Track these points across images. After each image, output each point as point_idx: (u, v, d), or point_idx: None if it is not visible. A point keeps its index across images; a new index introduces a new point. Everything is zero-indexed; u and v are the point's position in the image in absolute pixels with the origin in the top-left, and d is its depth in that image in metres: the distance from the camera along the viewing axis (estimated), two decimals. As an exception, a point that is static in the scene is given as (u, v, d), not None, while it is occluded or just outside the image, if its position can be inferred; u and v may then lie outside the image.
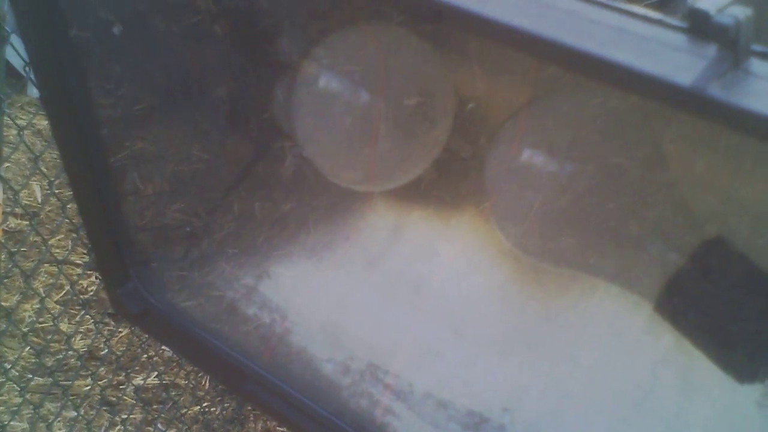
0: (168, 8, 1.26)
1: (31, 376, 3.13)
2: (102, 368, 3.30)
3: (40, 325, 3.39)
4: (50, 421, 2.96)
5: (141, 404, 3.25)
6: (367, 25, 1.13)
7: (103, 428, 3.16)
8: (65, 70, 1.14)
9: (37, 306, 3.30)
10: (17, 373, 3.14)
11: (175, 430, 3.28)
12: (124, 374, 3.28)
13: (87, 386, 3.20)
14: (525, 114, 1.06)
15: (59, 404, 3.09)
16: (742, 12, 0.67)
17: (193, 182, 1.37)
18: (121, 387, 3.34)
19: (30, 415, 3.06)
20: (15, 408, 3.01)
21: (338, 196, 1.29)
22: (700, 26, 0.69)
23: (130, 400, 3.31)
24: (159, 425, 3.27)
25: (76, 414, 3.04)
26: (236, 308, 1.28)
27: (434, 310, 1.22)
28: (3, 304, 3.25)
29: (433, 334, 1.21)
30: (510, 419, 1.14)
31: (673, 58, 0.70)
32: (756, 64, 0.68)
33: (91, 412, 3.17)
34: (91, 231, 1.27)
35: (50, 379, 2.96)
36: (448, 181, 1.19)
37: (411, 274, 1.24)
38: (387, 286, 1.25)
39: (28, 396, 2.93)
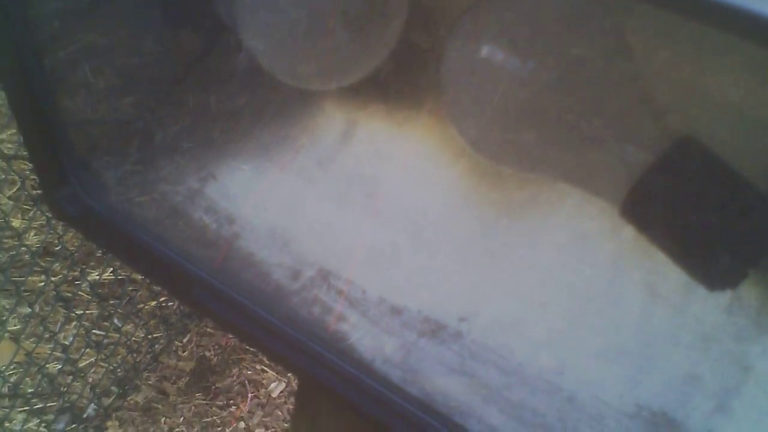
0: None
1: (-18, 272, 3.06)
2: (56, 264, 3.23)
3: (-9, 221, 3.29)
4: (4, 318, 2.91)
5: (97, 300, 3.20)
6: None
7: (59, 324, 3.12)
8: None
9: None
10: (-32, 270, 3.07)
11: (131, 325, 3.25)
12: (79, 270, 3.22)
13: (41, 282, 3.14)
14: (484, 6, 0.98)
15: (13, 301, 3.03)
16: None
17: (142, 76, 1.28)
18: (76, 282, 3.28)
19: (-17, 312, 3.01)
20: (-34, 305, 2.95)
21: (289, 93, 1.20)
22: None
23: (85, 295, 3.26)
24: (115, 320, 3.23)
25: (30, 310, 2.99)
26: (181, 211, 1.21)
27: (388, 213, 1.16)
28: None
29: (388, 239, 1.16)
30: (468, 326, 1.10)
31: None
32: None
33: (46, 308, 3.12)
34: (24, 129, 1.18)
35: (2, 275, 2.89)
36: (406, 75, 1.11)
37: (364, 175, 1.17)
38: (339, 188, 1.19)
39: (-21, 293, 2.88)
